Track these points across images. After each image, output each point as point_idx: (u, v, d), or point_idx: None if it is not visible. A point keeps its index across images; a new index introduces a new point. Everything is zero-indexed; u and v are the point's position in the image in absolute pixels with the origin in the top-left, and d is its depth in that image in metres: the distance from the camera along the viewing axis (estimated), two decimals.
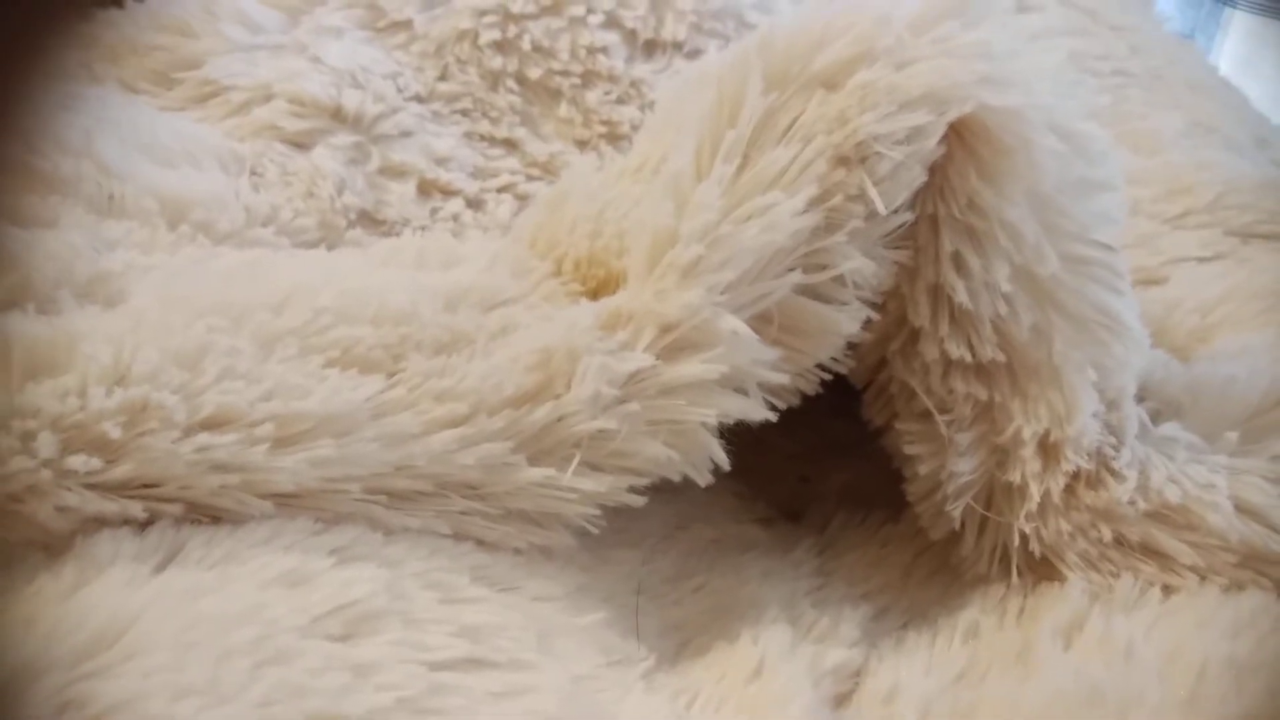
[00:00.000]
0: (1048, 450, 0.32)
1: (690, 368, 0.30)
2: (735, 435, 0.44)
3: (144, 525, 0.28)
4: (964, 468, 0.33)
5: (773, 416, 0.32)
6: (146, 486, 0.28)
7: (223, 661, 0.24)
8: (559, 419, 0.30)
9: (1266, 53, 0.78)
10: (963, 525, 0.34)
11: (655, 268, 0.30)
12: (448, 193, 0.46)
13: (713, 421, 0.31)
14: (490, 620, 0.28)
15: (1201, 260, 0.47)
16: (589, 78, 0.49)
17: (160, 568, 0.27)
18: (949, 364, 0.33)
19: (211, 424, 0.28)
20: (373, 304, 0.32)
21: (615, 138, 0.49)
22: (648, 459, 0.31)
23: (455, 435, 0.30)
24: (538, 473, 0.31)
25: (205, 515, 0.28)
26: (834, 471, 0.43)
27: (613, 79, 0.49)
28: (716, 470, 0.42)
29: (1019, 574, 0.33)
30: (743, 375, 0.31)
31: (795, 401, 0.34)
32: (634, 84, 0.50)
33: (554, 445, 0.31)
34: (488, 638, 0.28)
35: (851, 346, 0.34)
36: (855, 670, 0.32)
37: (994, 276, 0.31)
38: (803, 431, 0.44)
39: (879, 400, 0.35)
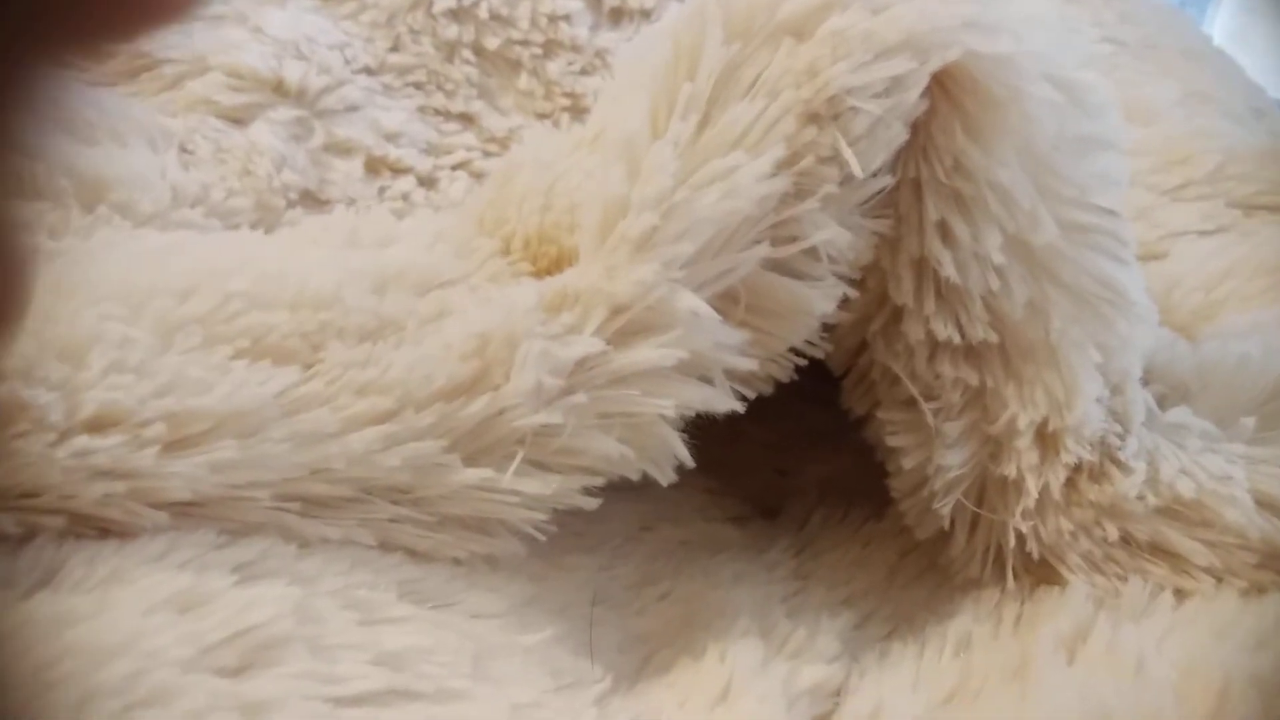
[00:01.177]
0: (1046, 440, 0.28)
1: (644, 353, 0.26)
2: (703, 426, 0.40)
3: (21, 542, 0.24)
4: (953, 461, 0.29)
5: (740, 407, 0.28)
6: (25, 496, 0.24)
7: (84, 706, 0.20)
8: (497, 413, 0.26)
9: (1258, 25, 0.74)
10: (952, 524, 0.30)
11: (605, 241, 0.26)
12: (397, 170, 0.42)
13: (671, 413, 0.27)
14: (417, 643, 0.24)
15: (1203, 234, 0.43)
16: (550, 47, 0.45)
17: (31, 592, 0.22)
18: (935, 346, 0.28)
19: (94, 425, 0.24)
20: (291, 288, 0.28)
21: (579, 111, 0.44)
22: (600, 456, 0.27)
23: (378, 433, 0.26)
24: (475, 474, 0.26)
25: (92, 529, 0.24)
26: (812, 463, 0.39)
27: (576, 49, 0.45)
28: (685, 464, 0.39)
29: (1015, 577, 0.29)
30: (705, 361, 0.27)
31: (767, 389, 0.30)
32: (599, 54, 0.45)
33: (492, 443, 0.27)
34: (412, 664, 0.24)
35: (828, 328, 0.30)
36: (835, 689, 0.28)
37: (984, 247, 0.26)
38: (778, 420, 0.40)
39: (859, 387, 0.31)
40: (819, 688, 0.28)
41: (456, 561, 0.28)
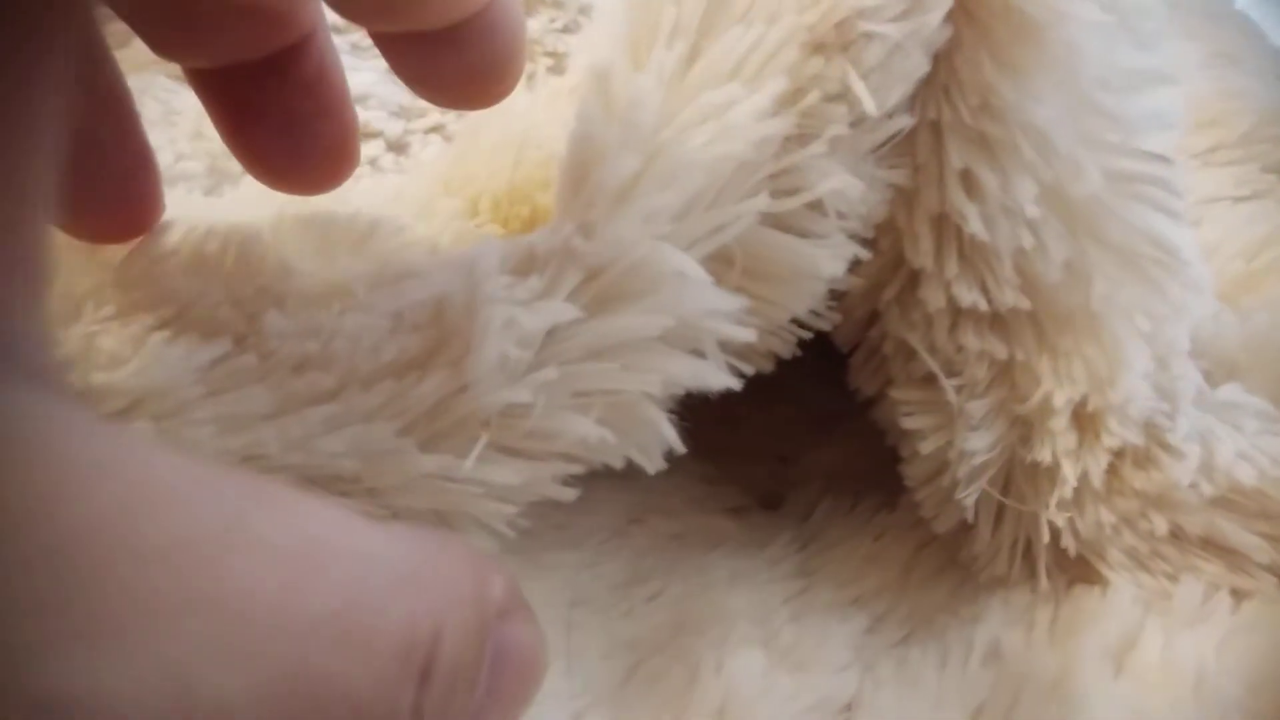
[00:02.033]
0: (1085, 421, 0.24)
1: (625, 320, 0.22)
2: (696, 408, 0.36)
3: None
4: (979, 444, 0.25)
5: (736, 384, 0.24)
6: None
7: None
8: (457, 391, 0.22)
9: None
10: (975, 516, 0.26)
11: (579, 193, 0.22)
12: (365, 134, 0.38)
13: (657, 390, 0.23)
14: None
15: (1237, 200, 0.39)
16: (531, 4, 0.41)
17: None
18: (958, 314, 0.25)
19: None
20: (230, 251, 0.24)
21: (561, 71, 0.40)
22: (576, 440, 0.23)
23: (319, 414, 0.22)
24: (433, 461, 0.23)
25: None
26: (817, 450, 0.35)
27: (558, 5, 0.41)
28: (675, 450, 0.35)
29: (1047, 575, 0.26)
30: (696, 331, 0.23)
31: (767, 367, 0.26)
32: (583, 10, 0.41)
33: (452, 425, 0.23)
34: None
35: (835, 297, 0.26)
36: (845, 702, 0.24)
37: (1016, 198, 0.22)
38: (779, 403, 0.37)
39: (869, 364, 0.27)
40: (827, 701, 0.24)
41: None
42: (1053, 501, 0.24)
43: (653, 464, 0.25)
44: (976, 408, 0.25)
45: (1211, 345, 0.28)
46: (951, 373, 0.25)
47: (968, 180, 0.23)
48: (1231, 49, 0.48)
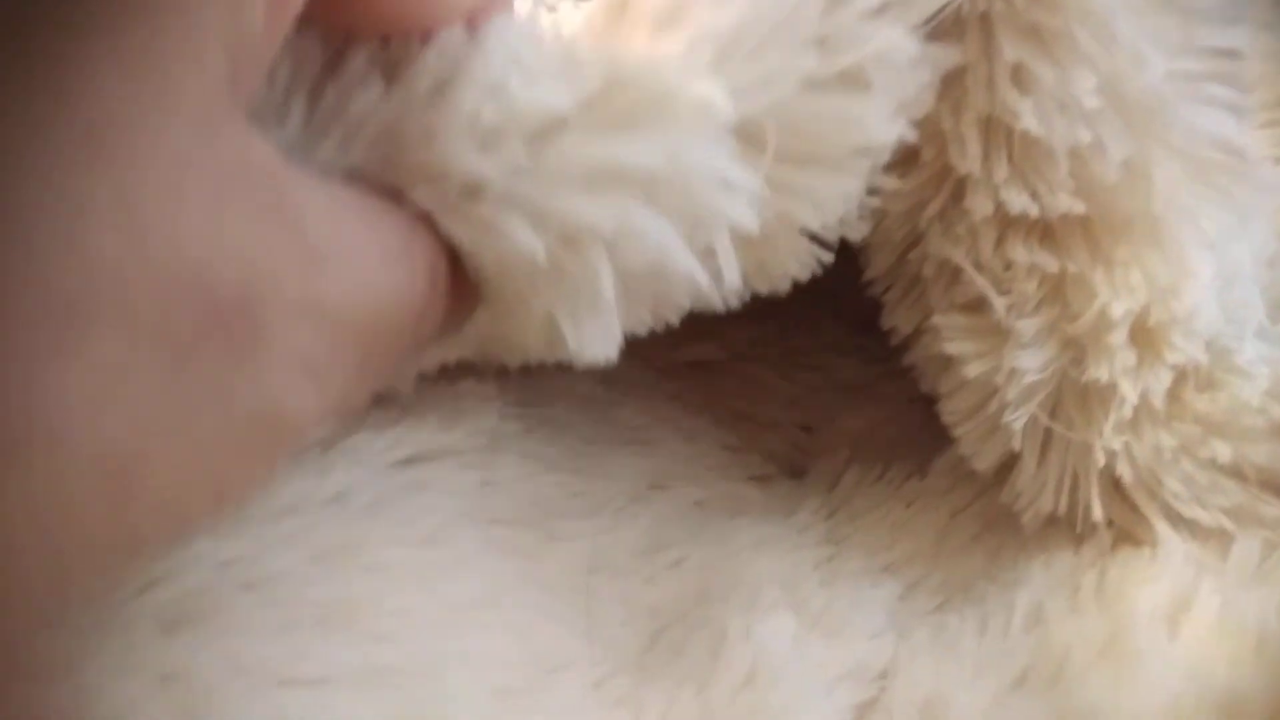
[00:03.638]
0: (1146, 336, 0.23)
1: (618, 144, 0.18)
2: (716, 377, 0.35)
3: None
4: (1030, 363, 0.23)
5: (717, 302, 0.22)
6: None
7: None
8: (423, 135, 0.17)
9: None
10: (1021, 445, 0.25)
11: (624, 15, 0.19)
12: None
13: (608, 228, 0.18)
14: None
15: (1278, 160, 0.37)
16: None
17: None
18: (1006, 225, 0.23)
19: None
20: None
21: None
22: (515, 248, 0.18)
23: None
24: None
25: None
26: (842, 418, 0.33)
27: None
28: (701, 421, 0.34)
29: (1092, 514, 0.24)
30: (693, 193, 0.19)
31: (778, 286, 0.24)
32: None
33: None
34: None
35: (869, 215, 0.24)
36: (880, 670, 0.23)
37: (1073, 91, 0.21)
38: (801, 372, 0.35)
39: (909, 297, 0.26)
40: (862, 669, 0.23)
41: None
42: (1108, 426, 0.23)
43: (575, 333, 0.19)
44: (1027, 326, 0.23)
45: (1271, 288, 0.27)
46: (1000, 291, 0.24)
47: (1020, 75, 0.22)
48: (1269, 17, 0.46)
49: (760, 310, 0.36)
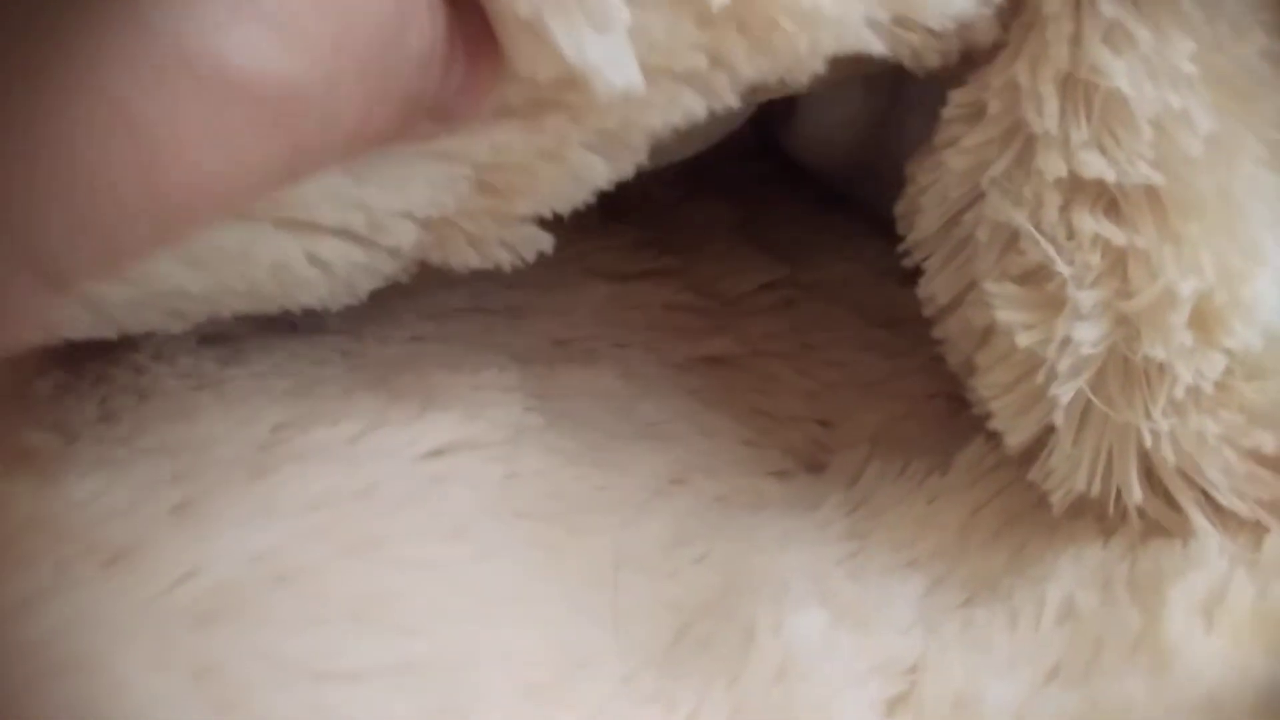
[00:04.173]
0: (1205, 319, 0.22)
1: None
2: (733, 372, 0.35)
3: None
4: (1087, 335, 0.23)
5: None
6: None
7: None
8: None
9: None
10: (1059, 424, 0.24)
11: None
12: None
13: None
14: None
15: None
16: None
17: None
18: (1076, 190, 0.23)
19: None
20: None
21: None
22: None
23: None
24: None
25: None
26: (860, 413, 0.33)
27: None
28: (720, 416, 0.33)
29: (1127, 496, 0.24)
30: None
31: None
32: None
33: None
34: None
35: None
36: (910, 664, 0.23)
37: (1170, 55, 0.21)
38: (819, 367, 0.35)
39: (952, 263, 0.26)
40: (892, 663, 0.23)
41: None
42: (1156, 408, 0.22)
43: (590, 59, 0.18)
44: (1087, 298, 0.23)
45: None
46: (1062, 261, 0.23)
47: (1114, 34, 0.21)
48: None
49: (777, 305, 0.37)
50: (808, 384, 0.34)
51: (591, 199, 0.25)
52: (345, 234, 0.23)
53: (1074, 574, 0.24)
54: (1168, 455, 0.23)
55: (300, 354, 0.30)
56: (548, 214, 0.25)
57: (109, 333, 0.24)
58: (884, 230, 0.30)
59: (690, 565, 0.26)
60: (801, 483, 0.31)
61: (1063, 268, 0.23)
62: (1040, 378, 0.24)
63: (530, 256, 0.26)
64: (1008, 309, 0.24)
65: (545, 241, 0.25)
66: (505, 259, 0.25)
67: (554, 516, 0.26)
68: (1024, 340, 0.24)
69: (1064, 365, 0.23)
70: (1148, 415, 0.22)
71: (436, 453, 0.25)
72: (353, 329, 0.32)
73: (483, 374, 0.30)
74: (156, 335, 0.29)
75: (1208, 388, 0.22)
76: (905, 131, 0.32)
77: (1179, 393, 0.22)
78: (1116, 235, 0.22)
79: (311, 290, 0.24)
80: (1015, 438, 0.25)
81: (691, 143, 0.29)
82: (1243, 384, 0.22)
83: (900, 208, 0.27)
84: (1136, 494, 0.23)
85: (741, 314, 0.36)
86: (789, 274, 0.37)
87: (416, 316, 0.33)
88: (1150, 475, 0.23)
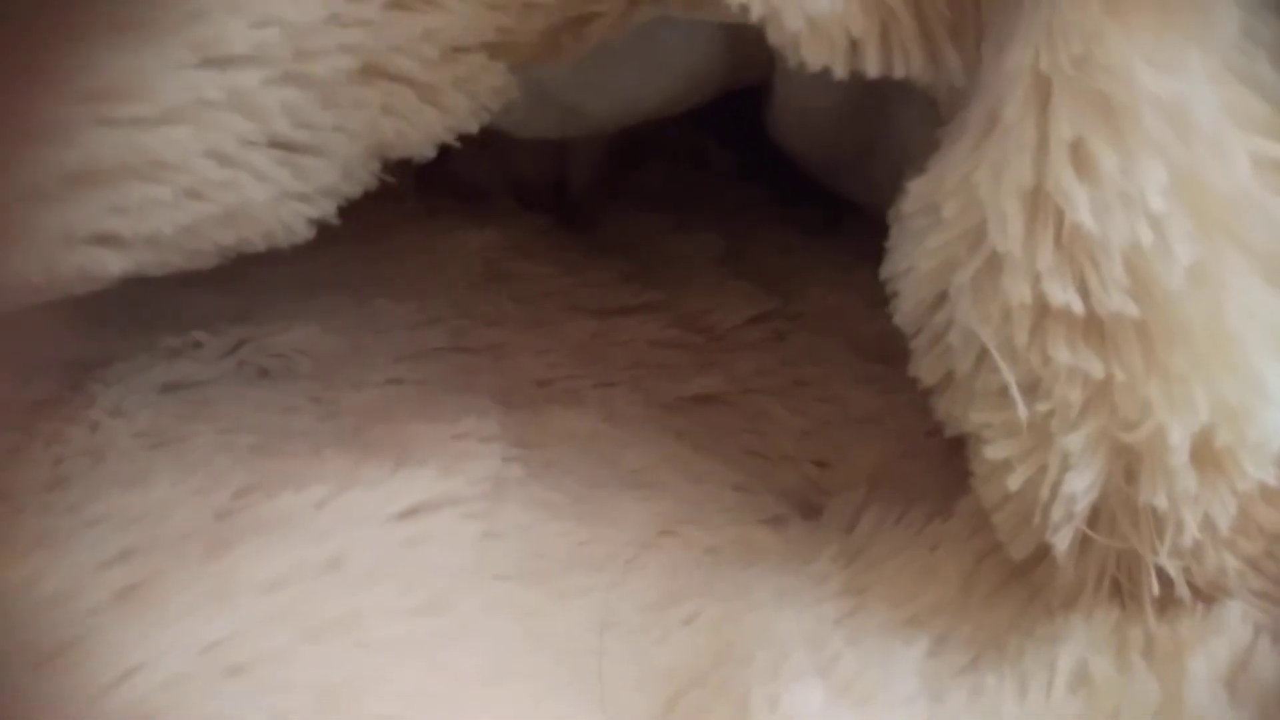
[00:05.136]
0: (1210, 458, 0.20)
1: None
2: (724, 412, 0.33)
3: None
4: (1079, 486, 0.21)
5: None
6: None
7: None
8: None
9: None
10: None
11: None
12: None
13: None
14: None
15: None
16: None
17: None
18: (1046, 314, 0.21)
19: None
20: None
21: None
22: None
23: None
24: None
25: None
26: (856, 452, 0.32)
27: None
28: (709, 460, 0.32)
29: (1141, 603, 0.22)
30: None
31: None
32: None
33: None
34: None
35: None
36: None
37: (1138, 185, 0.19)
38: (812, 403, 0.33)
39: (934, 351, 0.24)
40: None
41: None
42: (1164, 548, 0.21)
43: None
44: (1074, 441, 0.21)
45: None
46: (1036, 391, 0.21)
47: (1079, 153, 0.19)
48: None
49: (767, 339, 0.35)
50: (801, 422, 0.33)
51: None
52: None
53: (1086, 637, 0.22)
54: (1183, 592, 0.21)
55: (268, 403, 0.28)
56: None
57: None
58: (874, 258, 0.28)
59: (680, 627, 0.24)
60: (797, 531, 0.29)
61: (1023, 408, 0.21)
62: (1034, 519, 0.22)
63: (494, 103, 0.24)
64: (994, 444, 0.22)
65: (502, 77, 0.24)
66: (467, 112, 0.24)
67: (536, 578, 0.24)
68: (1014, 483, 0.22)
69: (1057, 512, 0.21)
70: (1156, 552, 0.21)
71: (411, 512, 0.24)
72: (325, 373, 0.30)
73: (461, 421, 0.28)
74: (115, 386, 0.27)
75: (1225, 529, 0.20)
76: (896, 125, 0.30)
77: (1187, 540, 0.21)
78: (1095, 367, 0.20)
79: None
80: (1017, 552, 0.23)
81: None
82: (1264, 511, 0.21)
83: (884, 271, 0.25)
84: (1154, 589, 0.21)
85: (730, 349, 0.34)
86: (778, 306, 0.36)
87: (393, 358, 0.32)
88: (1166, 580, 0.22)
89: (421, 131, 0.23)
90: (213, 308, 0.31)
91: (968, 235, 0.21)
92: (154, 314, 0.29)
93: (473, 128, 0.24)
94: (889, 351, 0.33)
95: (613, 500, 0.28)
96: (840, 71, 0.22)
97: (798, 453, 0.32)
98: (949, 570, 0.26)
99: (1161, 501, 0.20)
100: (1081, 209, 0.19)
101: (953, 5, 0.22)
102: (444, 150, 0.39)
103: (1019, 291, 0.20)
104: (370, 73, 0.22)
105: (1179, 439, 0.20)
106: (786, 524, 0.30)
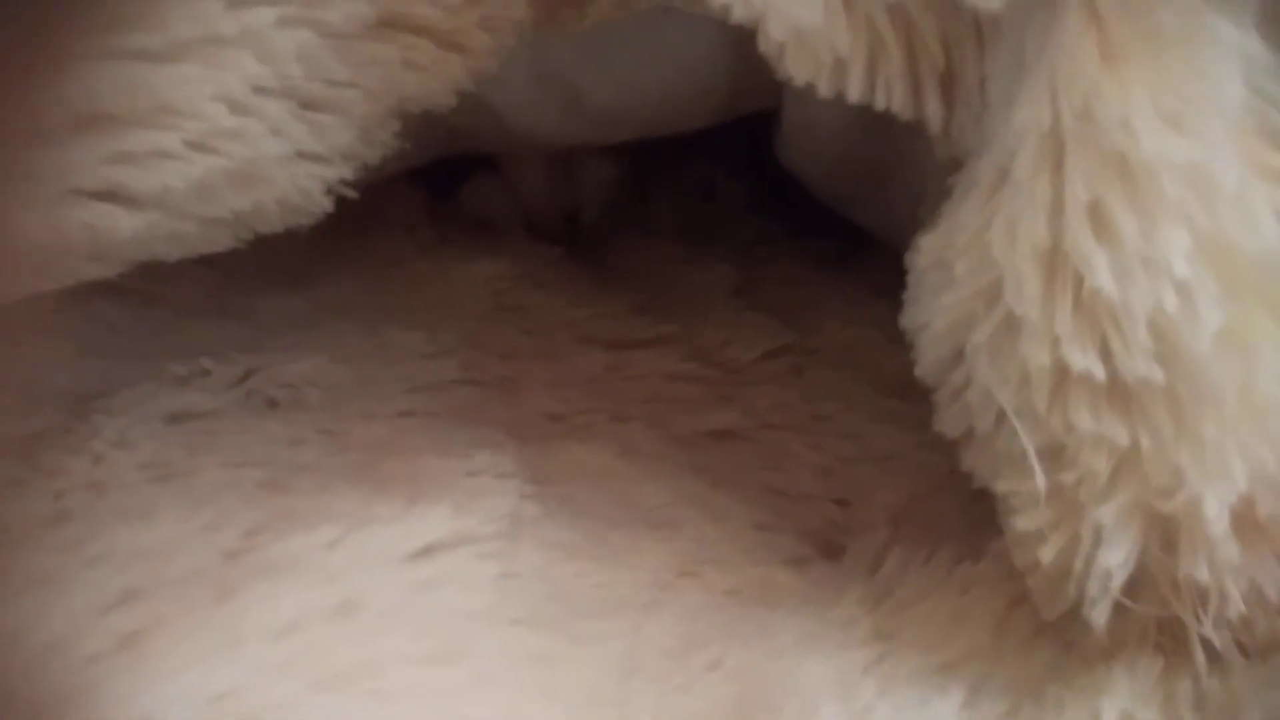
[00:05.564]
0: (1254, 528, 0.19)
1: None
2: (743, 447, 0.32)
3: None
4: (1114, 560, 0.20)
5: None
6: None
7: None
8: None
9: None
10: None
11: None
12: None
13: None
14: None
15: None
16: None
17: None
18: (1065, 379, 0.19)
19: None
20: None
21: None
22: None
23: None
24: None
25: None
26: (879, 490, 0.31)
27: None
28: (728, 497, 0.31)
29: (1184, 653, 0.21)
30: None
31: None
32: None
33: None
34: None
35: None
36: None
37: (1161, 250, 0.18)
38: (832, 440, 0.32)
39: (956, 404, 0.23)
40: None
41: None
42: (1208, 618, 0.20)
43: None
44: (1107, 513, 0.20)
45: None
46: (1061, 458, 0.20)
47: (1097, 214, 0.18)
48: None
49: (784, 373, 0.34)
50: (821, 459, 0.32)
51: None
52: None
53: (1130, 688, 0.21)
54: (1233, 658, 0.20)
55: (277, 435, 0.27)
56: None
57: None
58: (890, 292, 0.28)
59: (703, 674, 0.23)
60: (819, 572, 0.28)
61: (1040, 482, 0.20)
62: (1068, 588, 0.21)
63: (514, 38, 0.23)
64: (1022, 514, 0.21)
65: (522, 9, 0.22)
66: (489, 52, 0.22)
67: (554, 623, 0.23)
68: (1045, 556, 0.21)
69: (1093, 587, 0.20)
70: (1201, 622, 0.20)
71: (425, 552, 0.23)
72: (334, 404, 0.29)
73: (475, 456, 0.27)
74: (120, 417, 0.26)
75: (1273, 595, 0.19)
76: (909, 153, 0.30)
77: (1233, 612, 0.19)
78: (1120, 434, 0.19)
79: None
80: (1049, 612, 0.22)
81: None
82: None
83: (902, 322, 0.24)
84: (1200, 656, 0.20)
85: (747, 384, 0.33)
86: (795, 340, 0.35)
87: (403, 389, 0.31)
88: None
89: (443, 80, 0.22)
90: (220, 337, 0.30)
91: (983, 293, 0.20)
92: (161, 343, 0.28)
93: (493, 67, 0.23)
94: (908, 387, 0.32)
95: (630, 540, 0.27)
96: (824, 90, 0.21)
97: (818, 491, 0.31)
98: (981, 615, 0.25)
99: (1203, 573, 0.19)
100: (1101, 273, 0.18)
101: (949, 51, 0.21)
102: (454, 181, 0.38)
103: (1037, 355, 0.19)
104: (389, 24, 0.21)
105: (1216, 509, 0.19)
106: (808, 565, 0.29)
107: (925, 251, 0.22)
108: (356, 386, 0.30)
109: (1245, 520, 0.19)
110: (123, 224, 0.20)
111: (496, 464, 0.27)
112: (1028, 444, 0.20)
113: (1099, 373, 0.19)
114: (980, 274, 0.20)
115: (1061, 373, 0.19)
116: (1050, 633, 0.24)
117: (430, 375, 0.31)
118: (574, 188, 0.40)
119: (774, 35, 0.20)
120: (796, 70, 0.21)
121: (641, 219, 0.40)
